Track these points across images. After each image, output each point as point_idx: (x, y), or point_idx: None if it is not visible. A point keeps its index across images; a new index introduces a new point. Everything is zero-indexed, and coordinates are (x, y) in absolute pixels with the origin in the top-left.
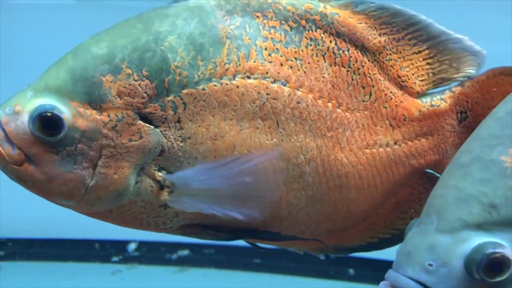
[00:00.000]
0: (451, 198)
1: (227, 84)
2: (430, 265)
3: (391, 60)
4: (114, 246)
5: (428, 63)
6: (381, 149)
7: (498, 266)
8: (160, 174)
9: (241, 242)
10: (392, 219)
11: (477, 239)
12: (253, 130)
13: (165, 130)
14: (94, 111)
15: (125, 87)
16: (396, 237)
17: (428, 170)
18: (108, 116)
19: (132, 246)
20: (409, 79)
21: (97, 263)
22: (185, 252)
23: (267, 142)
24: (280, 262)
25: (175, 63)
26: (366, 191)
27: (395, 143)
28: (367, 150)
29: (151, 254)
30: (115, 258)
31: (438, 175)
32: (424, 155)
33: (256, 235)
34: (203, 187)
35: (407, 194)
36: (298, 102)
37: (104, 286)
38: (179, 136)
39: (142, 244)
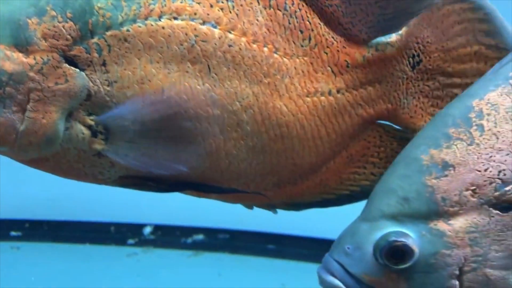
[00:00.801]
0: (378, 189)
1: (152, 25)
2: (348, 248)
3: (331, 6)
4: (130, 229)
5: (380, 7)
6: (323, 98)
7: (400, 254)
8: (91, 118)
9: (255, 228)
10: (347, 174)
11: (388, 228)
12: (182, 74)
13: (91, 74)
14: (21, 54)
15: (49, 29)
16: (357, 194)
17: (384, 122)
18: (34, 59)
19: (147, 230)
20: (353, 26)
21: (113, 245)
22: (200, 236)
23: (198, 87)
24: (295, 249)
25: (99, 4)
26: (311, 142)
27: (338, 92)
28: (308, 99)
29: (166, 237)
30: (130, 241)
31: (395, 126)
32: (373, 105)
33: (197, 188)
34: (135, 128)
35: (362, 148)
36: (230, 46)
37: (120, 268)
38: (106, 80)
39: (157, 228)
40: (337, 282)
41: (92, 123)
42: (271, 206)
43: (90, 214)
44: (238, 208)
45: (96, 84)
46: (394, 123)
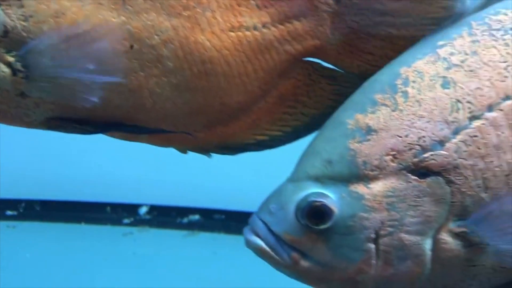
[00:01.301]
0: (306, 151)
1: None
2: (273, 207)
3: None
4: (126, 209)
5: None
6: (248, 33)
7: (319, 214)
8: (10, 55)
9: (250, 208)
10: (279, 115)
11: (310, 189)
12: (96, 6)
13: (6, 9)
14: None
15: None
16: (289, 134)
17: (312, 60)
18: None
19: (143, 210)
20: None
21: (109, 225)
22: (196, 216)
23: (114, 20)
24: None
25: None
26: (238, 79)
27: (264, 26)
28: (232, 33)
29: (162, 217)
30: (126, 221)
31: (324, 63)
32: (300, 40)
33: (123, 128)
34: (54, 63)
35: (292, 86)
36: None
37: (116, 247)
38: (21, 15)
39: (153, 208)
40: (259, 241)
41: (12, 59)
42: (205, 150)
43: (86, 194)
44: (234, 189)
45: (13, 19)
46: (322, 60)
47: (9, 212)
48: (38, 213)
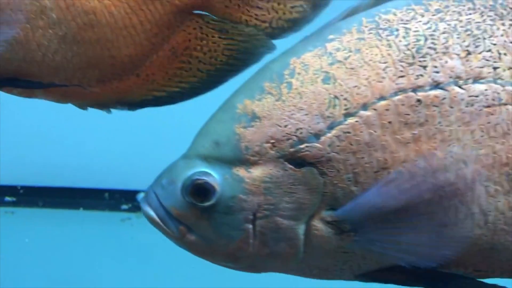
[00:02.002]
0: (200, 130)
1: None
2: (164, 181)
3: None
4: (124, 195)
5: None
6: None
7: (202, 192)
8: None
9: None
10: (174, 70)
11: (198, 168)
12: None
13: None
14: None
15: None
16: (187, 90)
17: (203, 13)
18: None
19: (141, 196)
20: None
21: (107, 211)
22: None
23: None
24: None
25: None
26: (124, 31)
27: None
28: None
29: None
30: (124, 206)
31: (213, 16)
32: None
33: (15, 83)
34: None
35: (183, 40)
36: None
37: (114, 232)
38: None
39: None
40: (151, 212)
41: None
42: (103, 106)
43: (84, 180)
44: None
45: None
46: (211, 13)
47: (7, 198)
48: (37, 199)
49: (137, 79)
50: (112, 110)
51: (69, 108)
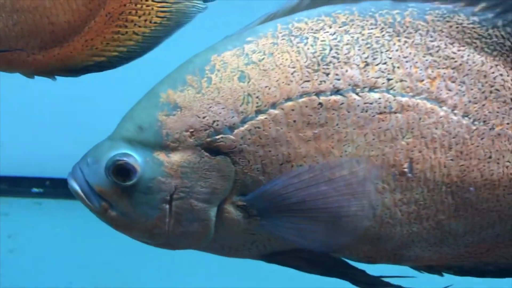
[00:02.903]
0: (126, 114)
1: None
2: (89, 160)
3: None
4: None
5: None
6: None
7: (123, 172)
8: None
9: None
10: (111, 35)
11: (121, 149)
12: None
13: None
14: None
15: None
16: (125, 54)
17: None
18: None
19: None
20: None
21: None
22: None
23: None
24: None
25: None
26: None
27: None
28: None
29: None
30: None
31: None
32: None
33: None
34: None
35: (118, 5)
36: None
37: None
38: None
39: None
40: (76, 187)
41: None
42: (48, 73)
43: None
44: None
45: None
46: None
47: (35, 190)
48: (63, 191)
49: (77, 45)
50: (58, 78)
51: (98, 102)
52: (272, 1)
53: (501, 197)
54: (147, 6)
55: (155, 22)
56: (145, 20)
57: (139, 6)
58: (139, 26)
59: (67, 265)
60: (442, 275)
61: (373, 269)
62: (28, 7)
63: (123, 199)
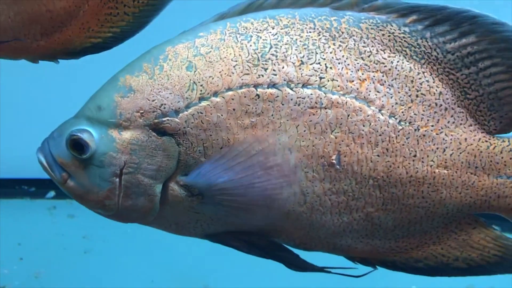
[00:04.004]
0: (91, 96)
1: None
2: (55, 134)
3: None
4: None
5: None
6: None
7: (79, 146)
8: None
9: None
10: (104, 16)
11: (81, 126)
12: None
13: None
14: None
15: None
16: (119, 35)
17: None
18: None
19: None
20: None
21: None
22: None
23: None
24: None
25: None
26: None
27: None
28: None
29: None
30: None
31: None
32: None
33: None
34: None
35: None
36: None
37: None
38: None
39: None
40: (41, 157)
41: None
42: (51, 58)
43: None
44: None
45: None
46: None
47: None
48: None
49: (75, 29)
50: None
51: None
52: None
53: (426, 194)
54: None
55: (143, 2)
56: (134, 1)
57: None
58: (129, 7)
59: (145, 264)
60: (376, 268)
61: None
62: None
63: (80, 170)
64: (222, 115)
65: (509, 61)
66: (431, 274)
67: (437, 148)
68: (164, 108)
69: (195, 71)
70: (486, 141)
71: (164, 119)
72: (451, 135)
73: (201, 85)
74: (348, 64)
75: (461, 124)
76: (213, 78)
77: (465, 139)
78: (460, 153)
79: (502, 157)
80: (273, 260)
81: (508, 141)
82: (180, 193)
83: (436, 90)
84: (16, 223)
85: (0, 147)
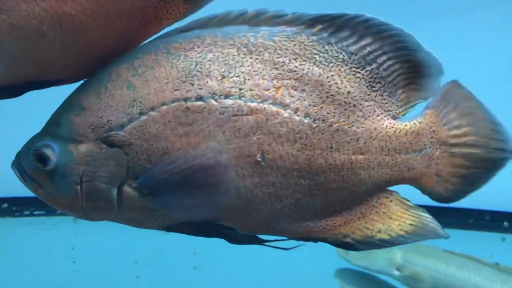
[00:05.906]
0: (53, 113)
1: None
2: (24, 148)
3: None
4: None
5: None
6: None
7: (43, 160)
8: None
9: None
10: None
11: (43, 141)
12: None
13: None
14: None
15: None
16: None
17: None
18: None
19: None
20: None
21: None
22: None
23: None
24: None
25: None
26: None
27: None
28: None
29: None
30: None
31: None
32: None
33: (35, 86)
34: None
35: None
36: None
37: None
38: None
39: None
40: (15, 171)
41: None
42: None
43: None
44: None
45: None
46: None
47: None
48: None
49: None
50: None
51: None
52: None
53: (346, 178)
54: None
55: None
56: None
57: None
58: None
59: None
60: (316, 242)
61: None
62: (79, 43)
63: (47, 180)
64: (160, 127)
65: (397, 53)
66: (359, 248)
67: (351, 139)
68: (111, 123)
69: (134, 90)
70: (392, 126)
71: (112, 133)
72: (362, 127)
73: (140, 102)
74: (264, 75)
75: (369, 116)
76: (149, 95)
77: (375, 128)
78: (373, 140)
79: (407, 138)
80: (216, 237)
81: (410, 124)
82: (133, 194)
83: (345, 90)
84: (133, 240)
85: None
